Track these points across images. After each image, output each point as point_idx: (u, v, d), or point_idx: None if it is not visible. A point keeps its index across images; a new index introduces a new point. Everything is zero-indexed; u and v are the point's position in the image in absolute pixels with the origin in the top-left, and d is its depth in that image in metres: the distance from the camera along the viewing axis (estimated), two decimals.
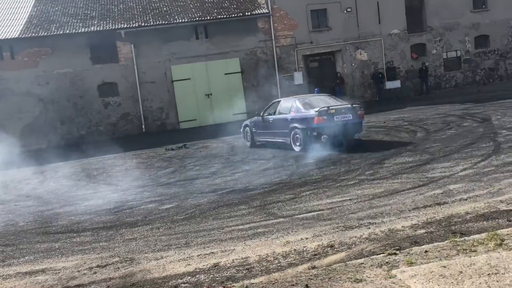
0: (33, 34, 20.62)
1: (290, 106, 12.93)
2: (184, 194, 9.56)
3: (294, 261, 5.23)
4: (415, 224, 5.96)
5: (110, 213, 8.77)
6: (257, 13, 22.58)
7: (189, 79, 22.57)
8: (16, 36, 20.45)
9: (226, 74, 22.77)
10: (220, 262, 5.51)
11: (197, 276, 5.18)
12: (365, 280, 4.24)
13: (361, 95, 24.39)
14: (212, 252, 5.90)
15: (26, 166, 16.73)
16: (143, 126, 22.25)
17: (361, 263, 4.67)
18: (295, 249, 5.60)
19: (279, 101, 14.01)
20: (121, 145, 18.49)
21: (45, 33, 20.74)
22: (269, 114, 13.78)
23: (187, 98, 22.59)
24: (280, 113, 13.28)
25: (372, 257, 4.86)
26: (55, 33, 20.83)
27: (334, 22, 23.43)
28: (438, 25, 24.77)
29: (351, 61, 24.06)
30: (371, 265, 4.57)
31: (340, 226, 6.25)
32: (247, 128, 14.80)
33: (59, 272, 5.93)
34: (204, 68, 22.63)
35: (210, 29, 22.42)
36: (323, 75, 24.30)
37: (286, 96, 16.38)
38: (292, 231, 6.31)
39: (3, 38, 20.31)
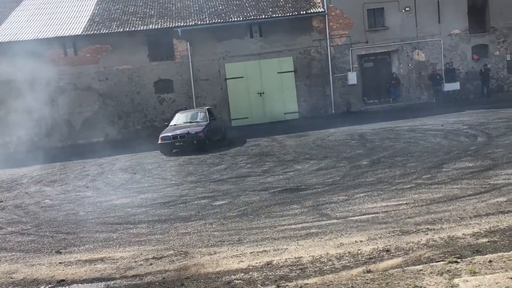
0: (95, 32, 21.44)
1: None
2: (236, 191, 9.63)
3: (348, 264, 5.14)
4: (477, 232, 5.70)
5: (164, 207, 8.98)
6: (312, 12, 22.40)
7: (242, 77, 22.72)
8: (79, 33, 21.34)
9: (279, 73, 22.75)
10: (273, 260, 5.51)
11: (250, 273, 5.20)
12: (425, 287, 4.10)
13: (417, 97, 23.68)
14: (265, 250, 5.91)
15: (85, 158, 17.46)
16: None
17: (420, 270, 4.53)
18: (349, 252, 5.51)
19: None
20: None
21: (106, 31, 21.51)
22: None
23: (239, 96, 22.77)
24: None
25: (432, 264, 4.70)
26: (115, 30, 21.57)
27: (391, 21, 22.85)
28: (502, 26, 23.61)
29: (407, 62, 23.39)
30: (431, 273, 4.42)
31: (396, 230, 6.09)
32: None
33: (117, 262, 6.13)
34: (257, 67, 22.72)
35: (264, 27, 22.47)
36: (378, 76, 23.79)
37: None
38: (346, 233, 6.21)
39: (67, 35, 21.25)
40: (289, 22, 22.42)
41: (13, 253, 6.96)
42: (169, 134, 15.89)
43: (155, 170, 13.55)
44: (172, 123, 17.31)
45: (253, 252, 5.90)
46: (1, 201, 11.14)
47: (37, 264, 6.34)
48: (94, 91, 22.08)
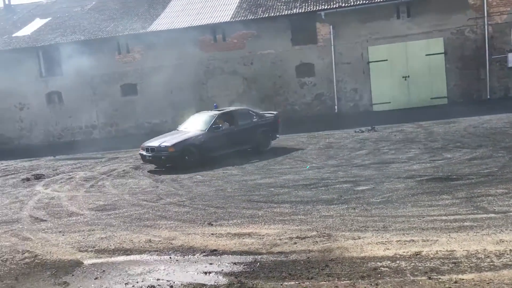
0: (242, 18, 22.36)
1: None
2: (380, 177, 9.36)
3: (510, 263, 4.69)
4: None
5: (306, 189, 9.11)
6: None
7: (386, 60, 21.80)
8: (228, 20, 22.46)
9: (427, 55, 21.34)
10: (422, 251, 5.26)
11: (398, 262, 5.04)
12: None
13: None
14: (413, 240, 5.66)
15: None
16: (335, 107, 22.43)
17: None
18: (511, 250, 5.02)
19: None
20: (314, 125, 19.01)
21: (253, 17, 22.28)
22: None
23: (382, 80, 21.92)
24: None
25: None
26: (261, 16, 22.24)
27: None
28: None
29: None
30: None
31: None
32: None
33: (263, 238, 6.41)
34: (402, 49, 21.59)
35: (413, 7, 21.20)
36: None
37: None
38: (506, 229, 5.66)
39: (217, 22, 22.53)
40: (441, 1, 20.82)
41: (172, 222, 7.69)
42: (145, 144, 13.61)
43: (296, 152, 13.78)
44: (180, 126, 14.87)
45: (399, 240, 5.70)
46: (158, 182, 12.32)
47: (192, 233, 6.92)
48: (239, 75, 23.13)
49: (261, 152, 14.08)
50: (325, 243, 5.94)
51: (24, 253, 6.63)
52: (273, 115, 15.58)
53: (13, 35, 25.34)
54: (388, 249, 5.46)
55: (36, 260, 6.29)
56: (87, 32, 24.10)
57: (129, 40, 23.27)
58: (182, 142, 13.02)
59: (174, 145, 12.84)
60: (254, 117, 14.73)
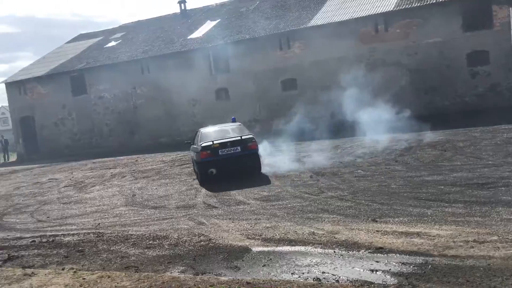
0: (407, 6, 21.25)
1: (198, 137, 12.90)
2: None
3: None
4: None
5: (482, 188, 8.25)
6: None
7: None
8: (391, 9, 21.56)
9: None
10: None
11: None
12: None
13: None
14: None
15: (391, 133, 17.68)
16: None
17: None
18: None
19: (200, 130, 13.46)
20: (488, 118, 17.19)
21: (419, 4, 21.03)
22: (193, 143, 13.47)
23: None
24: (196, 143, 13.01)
25: None
26: (428, 2, 20.86)
27: None
28: None
29: None
30: None
31: None
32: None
33: (433, 239, 5.97)
34: None
35: None
36: None
37: None
38: None
39: (379, 12, 21.79)
40: None
41: (334, 216, 7.65)
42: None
43: (468, 148, 12.63)
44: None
45: None
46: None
47: (356, 229, 6.78)
48: (402, 66, 22.06)
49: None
50: (509, 250, 5.28)
51: (200, 236, 7.23)
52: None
53: (188, 37, 27.94)
54: None
55: (210, 244, 6.80)
56: (251, 30, 25.39)
57: (290, 36, 23.88)
58: None
59: None
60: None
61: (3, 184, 18.26)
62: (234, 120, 14.47)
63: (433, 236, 6.06)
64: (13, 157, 33.00)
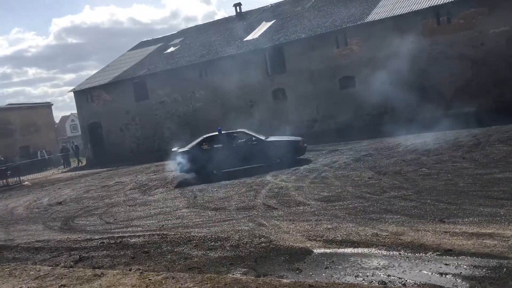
0: None
1: None
2: None
3: None
4: None
5: None
6: None
7: None
8: None
9: None
10: None
11: None
12: None
13: None
14: None
15: (457, 129, 16.93)
16: None
17: None
18: None
19: None
20: None
21: None
22: None
23: None
24: None
25: None
26: None
27: None
28: None
29: None
30: None
31: None
32: None
33: (508, 240, 5.63)
34: None
35: None
36: None
37: None
38: None
39: (441, 3, 20.89)
40: None
41: (398, 216, 7.38)
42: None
43: None
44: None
45: None
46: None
47: (422, 230, 6.50)
48: (466, 58, 21.02)
49: None
50: None
51: (260, 238, 7.22)
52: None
53: (244, 39, 28.16)
54: None
55: (271, 245, 6.78)
56: (307, 29, 25.19)
57: (347, 33, 23.44)
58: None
59: None
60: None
61: (74, 187, 19.23)
62: (220, 131, 15.89)
63: (507, 237, 5.70)
64: (83, 162, 34.73)
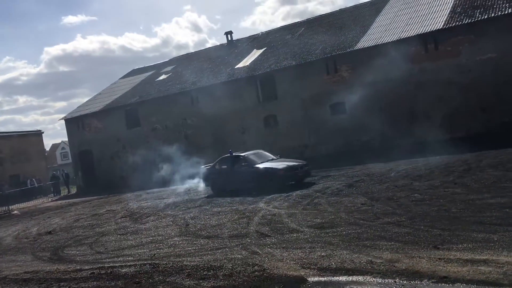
0: (457, 23, 20.69)
1: None
2: None
3: None
4: None
5: None
6: None
7: None
8: (441, 27, 21.05)
9: None
10: None
11: None
12: None
13: None
14: None
15: (447, 154, 17.04)
16: None
17: None
18: None
19: None
20: None
21: (469, 20, 20.43)
22: None
23: None
24: None
25: None
26: (479, 18, 20.23)
27: None
28: None
29: None
30: None
31: None
32: None
33: (502, 266, 5.61)
34: None
35: None
36: None
37: None
38: None
39: (428, 31, 21.32)
40: None
41: (392, 243, 7.35)
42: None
43: None
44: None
45: None
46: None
47: (417, 256, 6.47)
48: (454, 84, 21.32)
49: None
50: None
51: (254, 266, 7.13)
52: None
53: (235, 67, 28.45)
54: None
55: (265, 274, 6.69)
56: (297, 56, 25.53)
57: (337, 60, 23.78)
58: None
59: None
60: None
61: (64, 216, 18.97)
62: (231, 153, 17.58)
63: (501, 264, 5.68)
64: (73, 190, 34.36)
